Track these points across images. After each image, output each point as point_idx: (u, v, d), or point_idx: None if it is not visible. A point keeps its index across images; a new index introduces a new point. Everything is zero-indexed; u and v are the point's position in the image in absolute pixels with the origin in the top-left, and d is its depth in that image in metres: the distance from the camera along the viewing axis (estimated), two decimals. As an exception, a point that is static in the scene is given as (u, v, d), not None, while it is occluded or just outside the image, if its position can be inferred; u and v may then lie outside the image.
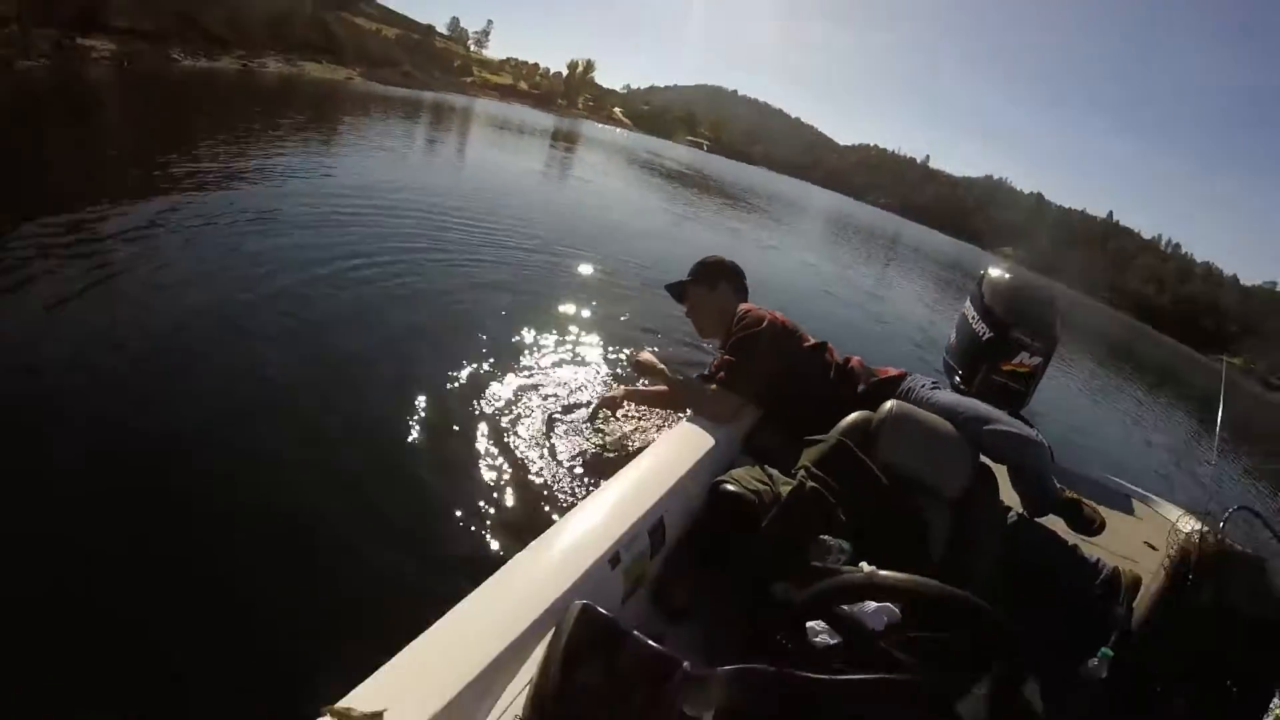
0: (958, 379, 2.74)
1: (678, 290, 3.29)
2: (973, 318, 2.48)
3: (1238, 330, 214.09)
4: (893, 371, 2.75)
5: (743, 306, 2.95)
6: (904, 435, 2.19)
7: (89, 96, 24.57)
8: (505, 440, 3.69)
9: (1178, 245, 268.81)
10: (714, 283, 3.18)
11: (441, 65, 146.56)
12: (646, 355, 3.49)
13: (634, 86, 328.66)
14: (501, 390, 4.30)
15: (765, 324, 2.80)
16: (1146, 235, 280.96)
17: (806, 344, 2.85)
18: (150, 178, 9.04)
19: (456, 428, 3.75)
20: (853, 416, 2.26)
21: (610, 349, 5.65)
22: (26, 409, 3.22)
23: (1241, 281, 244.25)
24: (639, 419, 3.95)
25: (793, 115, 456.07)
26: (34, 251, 5.22)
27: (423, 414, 3.82)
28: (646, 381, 3.75)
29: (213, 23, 59.54)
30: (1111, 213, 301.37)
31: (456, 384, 4.26)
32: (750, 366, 2.71)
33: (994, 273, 2.50)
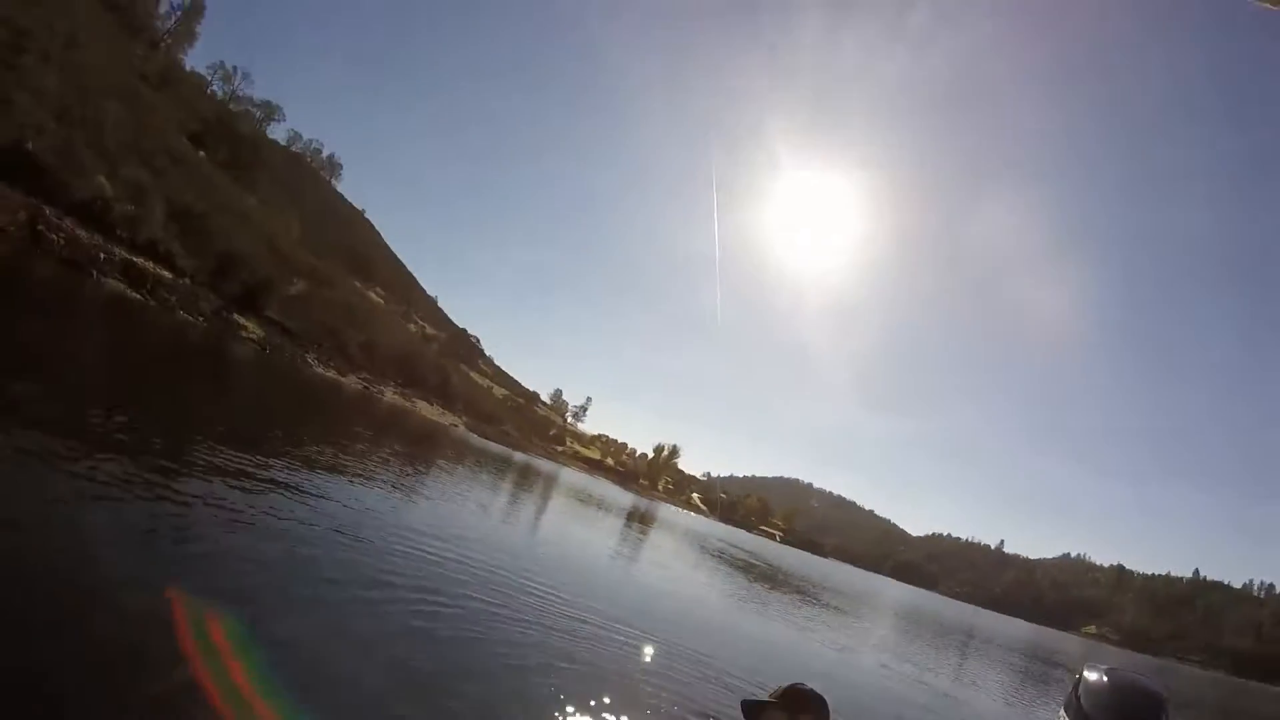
0: None
1: (754, 712, 3.06)
2: None
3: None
4: None
5: None
6: None
7: (229, 364, 28.01)
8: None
9: (1271, 585, 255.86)
10: (795, 714, 2.95)
11: (539, 430, 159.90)
12: None
13: (714, 473, 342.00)
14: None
15: None
16: (1236, 585, 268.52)
17: None
18: (259, 451, 10.35)
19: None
20: None
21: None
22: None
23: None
24: None
25: (866, 508, 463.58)
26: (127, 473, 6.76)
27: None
28: None
29: (349, 342, 67.53)
30: (1198, 570, 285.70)
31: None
32: None
33: (1090, 676, 2.25)
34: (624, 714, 6.08)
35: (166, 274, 39.44)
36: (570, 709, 5.63)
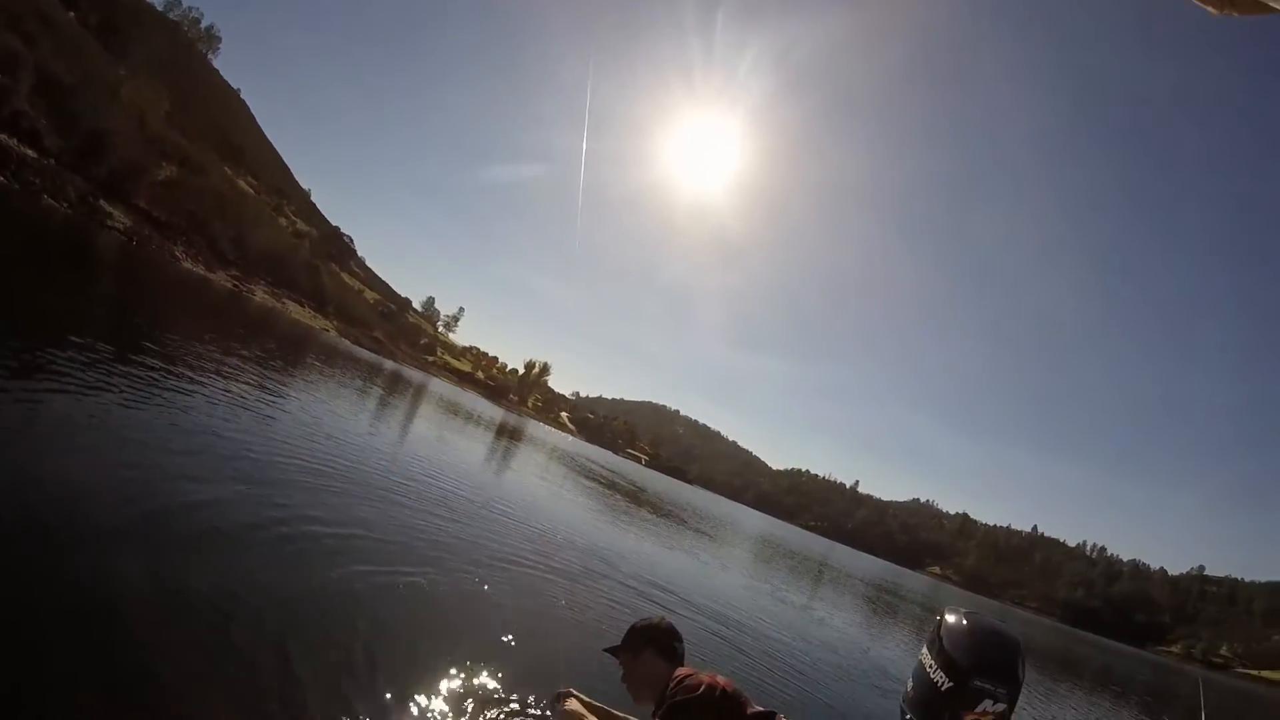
0: None
1: (614, 654, 3.21)
2: (930, 666, 2.28)
3: (1170, 620, 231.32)
4: None
5: (680, 671, 2.82)
6: None
7: (92, 256, 26.08)
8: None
9: (1103, 548, 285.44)
10: (639, 649, 3.07)
11: (409, 339, 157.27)
12: (573, 705, 3.20)
13: (583, 394, 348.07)
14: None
15: (703, 689, 2.65)
16: (1071, 544, 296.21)
17: (750, 710, 2.66)
18: (120, 349, 10.22)
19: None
20: None
21: (521, 672, 5.05)
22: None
23: (1170, 573, 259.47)
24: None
25: (729, 438, 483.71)
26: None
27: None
28: None
29: (219, 237, 65.01)
30: (1036, 526, 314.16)
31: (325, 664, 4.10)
32: None
33: (951, 618, 2.30)
34: (509, 597, 6.68)
35: (31, 153, 38.01)
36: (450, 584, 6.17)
